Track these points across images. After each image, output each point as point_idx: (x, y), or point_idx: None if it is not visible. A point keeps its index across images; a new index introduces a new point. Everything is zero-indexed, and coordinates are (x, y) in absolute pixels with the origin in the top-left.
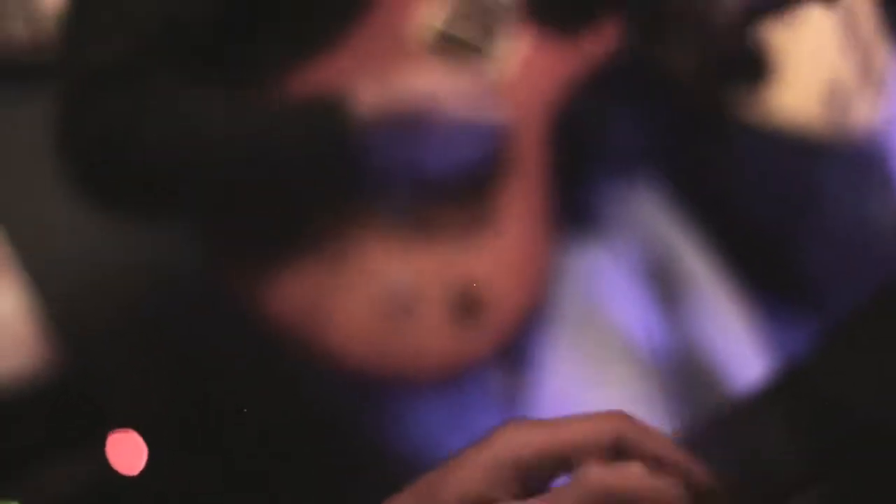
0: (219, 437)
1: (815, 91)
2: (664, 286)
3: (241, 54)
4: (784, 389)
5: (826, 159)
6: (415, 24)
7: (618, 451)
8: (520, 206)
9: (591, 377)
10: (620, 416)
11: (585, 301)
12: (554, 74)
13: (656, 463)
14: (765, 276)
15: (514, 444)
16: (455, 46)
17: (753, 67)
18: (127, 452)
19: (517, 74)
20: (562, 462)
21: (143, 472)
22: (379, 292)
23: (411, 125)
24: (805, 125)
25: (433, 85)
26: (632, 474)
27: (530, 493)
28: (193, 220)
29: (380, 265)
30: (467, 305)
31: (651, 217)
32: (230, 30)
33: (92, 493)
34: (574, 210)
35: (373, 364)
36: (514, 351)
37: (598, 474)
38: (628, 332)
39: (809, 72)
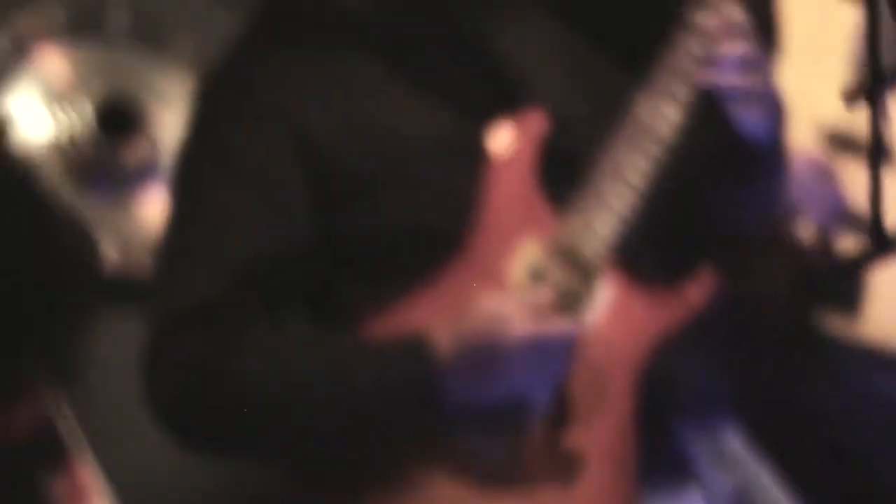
0: None
1: None
2: None
3: (330, 295)
4: None
5: None
6: (508, 269)
7: None
8: (605, 449)
9: None
10: None
11: None
12: (645, 322)
13: None
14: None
15: None
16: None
17: (843, 288)
18: None
19: (608, 320)
20: None
21: None
22: None
23: (489, 358)
24: None
25: (507, 307)
26: None
27: None
28: (275, 451)
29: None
30: None
31: (740, 461)
32: (318, 271)
33: None
34: (661, 455)
35: None
36: None
37: None
38: None
39: None
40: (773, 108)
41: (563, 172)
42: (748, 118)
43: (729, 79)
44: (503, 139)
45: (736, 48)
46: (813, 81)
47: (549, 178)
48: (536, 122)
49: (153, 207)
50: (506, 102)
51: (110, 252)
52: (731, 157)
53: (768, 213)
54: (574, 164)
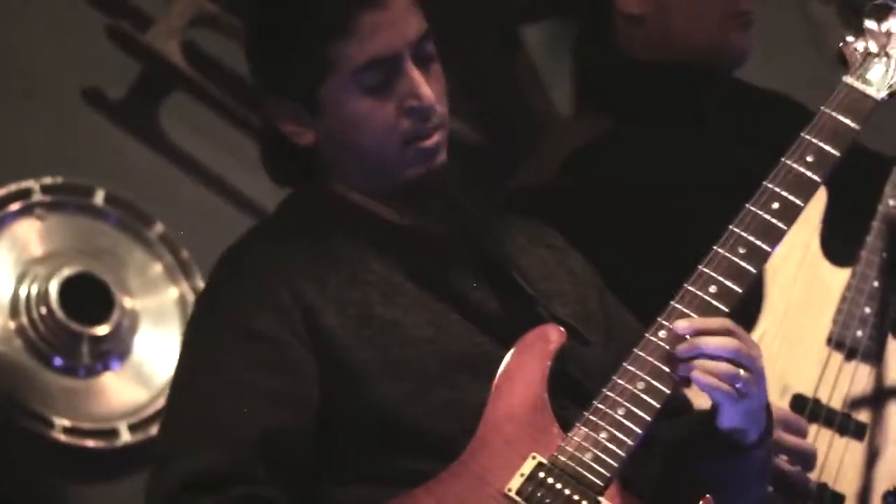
0: None
1: None
2: None
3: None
4: None
5: None
6: (506, 481)
7: None
8: None
9: None
10: None
11: None
12: None
13: None
14: None
15: None
16: None
17: None
18: None
19: None
20: None
21: None
22: None
23: None
24: None
25: None
26: None
27: None
28: None
29: None
30: None
31: None
32: (313, 458)
33: None
34: None
35: None
36: None
37: None
38: None
39: None
40: (757, 416)
41: (571, 389)
42: (729, 416)
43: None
44: (522, 349)
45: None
46: (791, 343)
47: (558, 393)
48: (556, 337)
49: (109, 390)
50: (518, 316)
51: (63, 423)
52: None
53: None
54: (582, 382)
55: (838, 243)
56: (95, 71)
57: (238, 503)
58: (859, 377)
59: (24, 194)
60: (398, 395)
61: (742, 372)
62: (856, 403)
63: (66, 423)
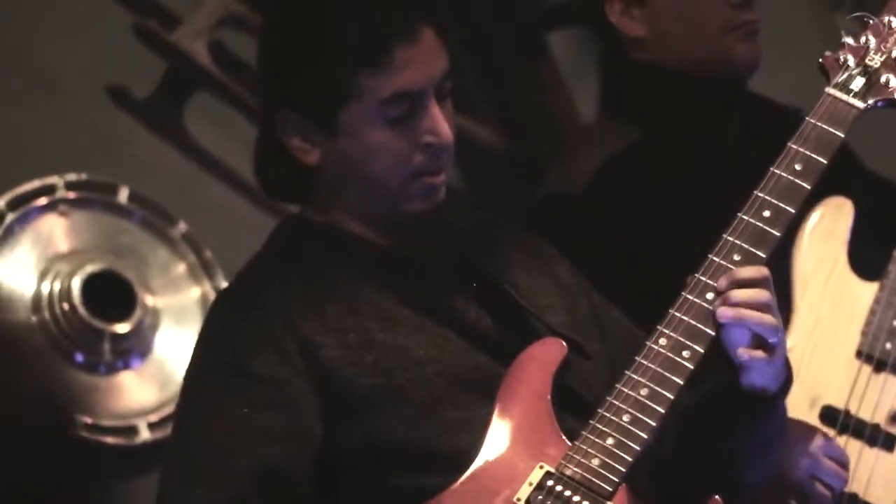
0: None
1: None
2: None
3: None
4: None
5: None
6: (514, 492)
7: None
8: None
9: None
10: None
11: None
12: None
13: None
14: None
15: None
16: None
17: None
18: None
19: None
20: None
21: None
22: None
23: None
24: None
25: None
26: None
27: None
28: None
29: None
30: None
31: None
32: (317, 487)
33: None
34: None
35: None
36: None
37: None
38: None
39: None
40: (780, 372)
41: (574, 400)
42: (756, 375)
43: (746, 348)
44: (524, 363)
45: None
46: (821, 355)
47: (561, 405)
48: (557, 349)
49: (129, 388)
50: (515, 331)
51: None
52: (734, 403)
53: (765, 468)
54: (583, 392)
55: (866, 257)
56: (122, 69)
57: None
58: (888, 389)
59: (49, 190)
60: (405, 417)
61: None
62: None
63: (87, 419)
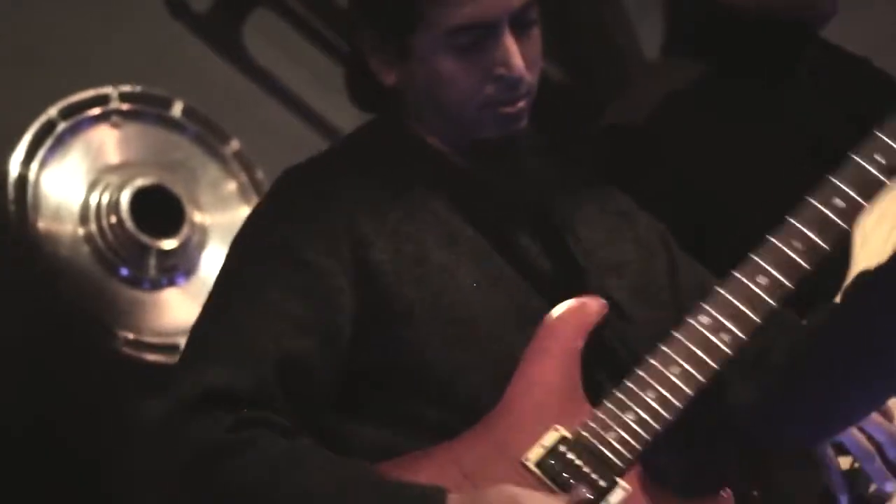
0: None
1: None
2: None
3: (343, 427)
4: None
5: None
6: (527, 449)
7: None
8: None
9: None
10: None
11: None
12: None
13: None
14: None
15: None
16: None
17: None
18: None
19: None
20: None
21: None
22: None
23: None
24: None
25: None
26: None
27: None
28: None
29: None
30: None
31: None
32: (342, 392)
33: None
34: None
35: None
36: None
37: None
38: None
39: None
40: None
41: (608, 364)
42: None
43: None
44: (560, 318)
45: None
46: None
47: (593, 367)
48: (595, 309)
49: (172, 305)
50: (569, 283)
51: (125, 335)
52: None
53: (816, 433)
54: (621, 358)
55: None
56: None
57: (252, 425)
58: None
59: (102, 100)
60: (437, 339)
61: None
62: None
63: (129, 335)
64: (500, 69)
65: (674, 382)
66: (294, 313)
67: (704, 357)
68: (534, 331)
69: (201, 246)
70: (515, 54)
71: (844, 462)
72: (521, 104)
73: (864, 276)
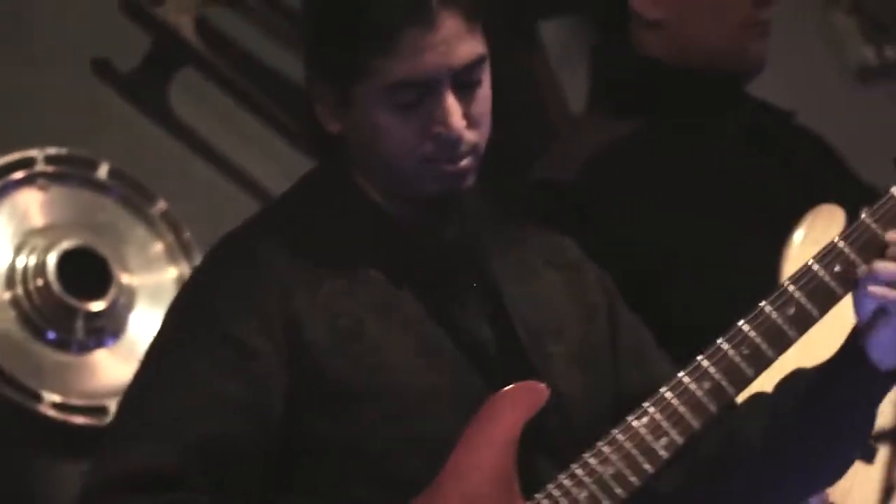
0: None
1: None
2: None
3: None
4: None
5: None
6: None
7: None
8: None
9: None
10: None
11: None
12: None
13: None
14: None
15: None
16: None
17: None
18: None
19: None
20: None
21: None
22: None
23: None
24: None
25: None
26: None
27: None
28: None
29: None
30: None
31: None
32: (272, 474)
33: None
34: None
35: None
36: None
37: None
38: None
39: None
40: None
41: (545, 448)
42: (883, 341)
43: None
44: (501, 403)
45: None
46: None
47: (530, 451)
48: (538, 396)
49: (101, 367)
50: (509, 355)
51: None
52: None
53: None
54: (559, 442)
55: None
56: (107, 42)
57: None
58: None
59: (28, 163)
60: (371, 418)
61: None
62: (876, 437)
63: (56, 398)
64: (438, 128)
65: (607, 484)
66: (223, 393)
67: (641, 460)
68: (471, 410)
69: (129, 307)
70: (453, 114)
71: None
72: (464, 163)
73: (800, 373)
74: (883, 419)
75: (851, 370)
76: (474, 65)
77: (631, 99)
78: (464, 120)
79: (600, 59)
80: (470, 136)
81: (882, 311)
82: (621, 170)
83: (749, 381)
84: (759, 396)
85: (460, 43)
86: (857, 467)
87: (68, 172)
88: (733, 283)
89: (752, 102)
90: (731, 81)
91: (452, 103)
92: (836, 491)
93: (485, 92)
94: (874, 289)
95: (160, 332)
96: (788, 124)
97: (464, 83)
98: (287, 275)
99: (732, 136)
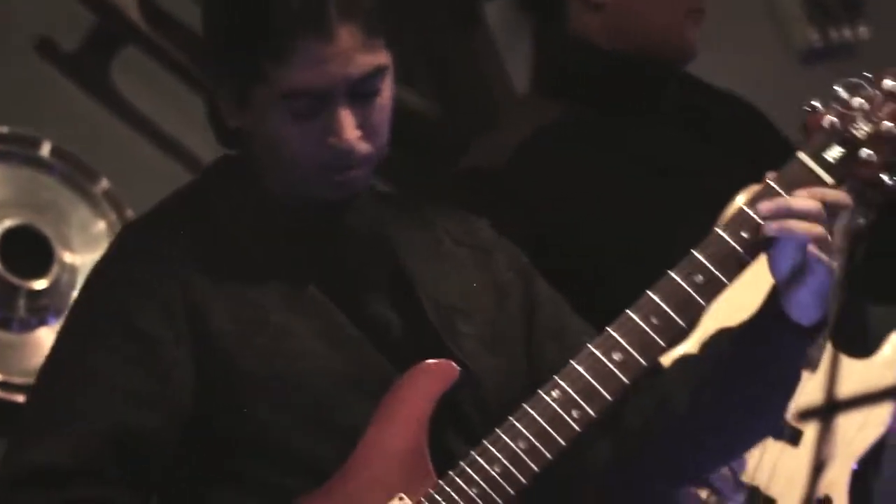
0: None
1: None
2: None
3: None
4: None
5: None
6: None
7: None
8: None
9: None
10: None
11: None
12: None
13: None
14: None
15: None
16: None
17: None
18: None
19: None
20: None
21: None
22: None
23: None
24: None
25: None
26: None
27: None
28: None
29: None
30: None
31: None
32: (179, 464)
33: None
34: None
35: None
36: None
37: None
38: None
39: None
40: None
41: (458, 427)
42: (801, 300)
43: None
44: (409, 383)
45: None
46: None
47: (443, 431)
48: (446, 374)
49: (44, 345)
50: (417, 338)
51: None
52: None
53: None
54: (472, 421)
55: None
56: (49, 21)
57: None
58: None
59: None
60: (278, 407)
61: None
62: (804, 414)
63: None
64: (331, 138)
65: (520, 457)
66: (128, 386)
67: (553, 433)
68: (380, 394)
69: (71, 286)
70: (347, 126)
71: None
72: (353, 173)
73: (724, 334)
74: (810, 398)
75: (773, 328)
76: (372, 76)
77: (565, 82)
78: (358, 130)
79: (540, 42)
80: (362, 147)
81: (799, 269)
82: (552, 155)
83: (661, 350)
84: (684, 359)
85: (357, 55)
86: (781, 450)
87: (10, 151)
88: (670, 264)
89: (687, 82)
90: (665, 65)
91: (346, 115)
92: (758, 475)
93: (383, 101)
94: (789, 223)
95: (64, 327)
96: (725, 103)
97: (361, 93)
98: (189, 265)
99: (666, 117)
